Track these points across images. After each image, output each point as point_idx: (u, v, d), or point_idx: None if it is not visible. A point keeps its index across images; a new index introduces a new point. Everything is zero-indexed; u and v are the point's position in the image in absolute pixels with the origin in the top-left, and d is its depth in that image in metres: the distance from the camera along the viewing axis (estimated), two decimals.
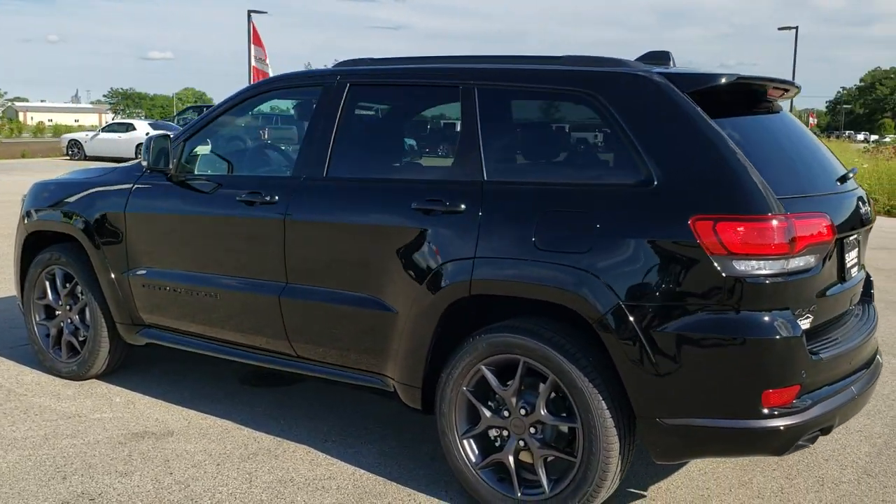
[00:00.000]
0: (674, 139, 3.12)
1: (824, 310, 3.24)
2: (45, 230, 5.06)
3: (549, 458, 3.32)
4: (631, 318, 3.02)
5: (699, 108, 3.14)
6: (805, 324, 3.06)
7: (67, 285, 4.97)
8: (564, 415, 3.27)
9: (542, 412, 3.27)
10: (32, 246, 5.14)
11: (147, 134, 27.24)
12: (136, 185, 4.55)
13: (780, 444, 3.02)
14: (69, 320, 5.00)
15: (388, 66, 3.97)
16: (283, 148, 4.84)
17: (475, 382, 3.46)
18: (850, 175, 3.60)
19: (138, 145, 27.65)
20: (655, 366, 3.01)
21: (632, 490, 3.68)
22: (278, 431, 4.30)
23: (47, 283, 5.06)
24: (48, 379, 5.05)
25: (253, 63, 36.59)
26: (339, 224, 3.80)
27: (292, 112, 5.36)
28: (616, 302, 3.04)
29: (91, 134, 30.73)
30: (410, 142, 4.11)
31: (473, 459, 3.48)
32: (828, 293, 3.25)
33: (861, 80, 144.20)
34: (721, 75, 3.24)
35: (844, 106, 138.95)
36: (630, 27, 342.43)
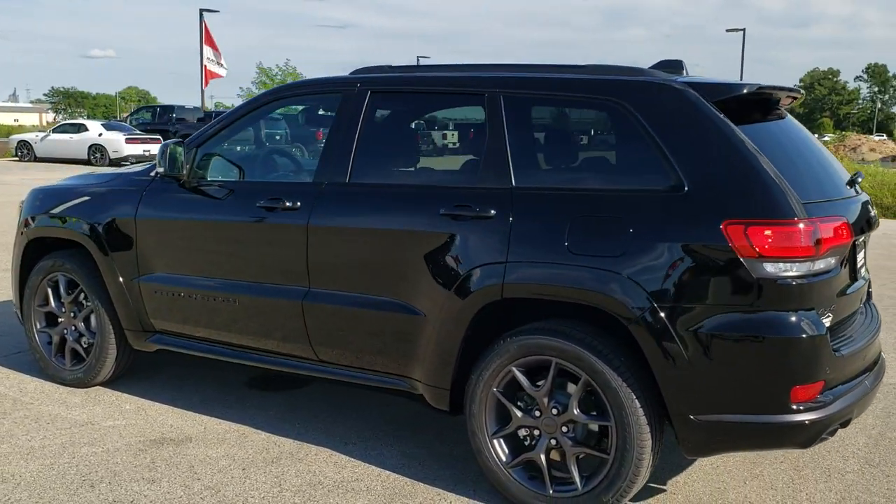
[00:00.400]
0: (702, 146, 3.25)
1: (841, 309, 3.40)
2: (47, 237, 5.01)
3: (581, 456, 3.43)
4: (665, 319, 3.14)
5: (724, 117, 3.27)
6: (827, 322, 3.21)
7: (71, 292, 4.93)
8: (596, 413, 3.38)
9: (575, 412, 3.38)
10: (32, 253, 5.09)
11: (100, 135, 26.83)
12: (146, 191, 4.54)
13: (807, 437, 3.17)
14: (73, 327, 4.96)
15: (410, 74, 4.04)
16: (295, 153, 4.86)
17: (505, 383, 3.55)
18: (859, 180, 3.77)
19: (91, 146, 27.17)
20: (689, 365, 3.14)
21: (652, 485, 3.80)
22: (296, 435, 4.33)
23: (49, 291, 5.01)
24: (51, 387, 5.00)
25: (205, 63, 36.19)
26: (365, 230, 3.86)
27: (300, 118, 5.37)
28: (651, 304, 3.16)
29: (41, 134, 30.05)
30: (434, 148, 4.18)
31: (504, 459, 3.57)
32: (846, 293, 3.41)
33: (801, 81, 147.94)
34: (744, 85, 3.38)
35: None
36: (575, 28, 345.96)
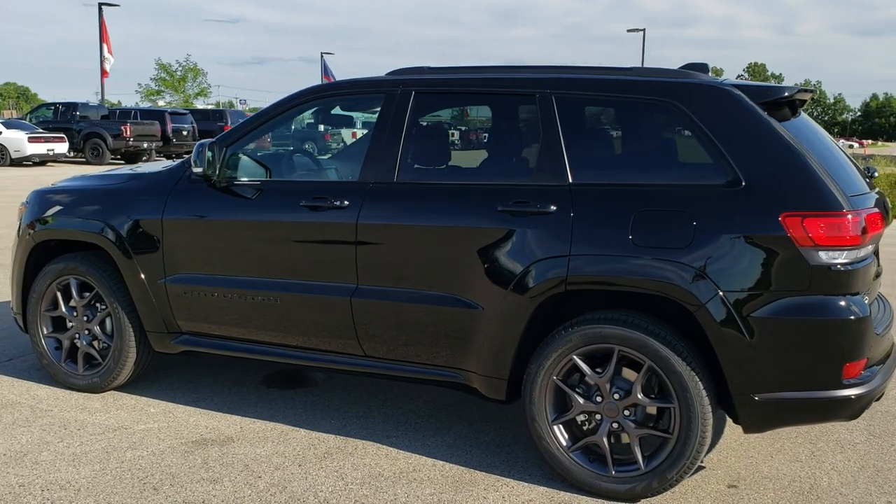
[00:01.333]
0: (754, 144, 3.49)
1: (872, 293, 3.72)
2: (55, 239, 4.88)
3: (641, 437, 3.63)
4: (729, 305, 3.38)
5: (769, 116, 3.53)
6: (868, 305, 3.51)
7: (84, 295, 4.82)
8: (658, 396, 3.59)
9: (640, 396, 3.58)
10: (37, 257, 4.95)
11: (0, 133, 25.57)
12: (172, 192, 4.50)
13: (854, 410, 3.47)
14: (86, 331, 4.85)
15: (457, 76, 4.15)
16: (311, 151, 4.88)
17: (565, 372, 3.72)
18: (875, 175, 4.11)
19: None
20: (752, 347, 3.38)
21: None
22: (336, 430, 4.39)
23: (59, 294, 4.88)
24: (64, 392, 4.88)
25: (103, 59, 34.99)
26: (418, 227, 3.95)
27: (311, 119, 5.38)
28: (716, 291, 3.39)
29: None
30: (484, 147, 4.29)
31: (564, 443, 3.74)
32: (875, 279, 3.73)
33: None
34: (785, 88, 3.65)
35: None
36: (468, 26, 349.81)
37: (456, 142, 4.38)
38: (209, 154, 4.27)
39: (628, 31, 41.54)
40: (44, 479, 3.75)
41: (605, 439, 3.66)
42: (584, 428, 3.75)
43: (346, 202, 4.06)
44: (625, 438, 3.70)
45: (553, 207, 3.67)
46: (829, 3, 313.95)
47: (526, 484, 3.82)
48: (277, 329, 4.33)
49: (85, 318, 4.84)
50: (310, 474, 3.86)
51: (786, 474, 3.96)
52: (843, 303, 3.38)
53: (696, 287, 3.41)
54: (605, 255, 3.57)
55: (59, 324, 5.00)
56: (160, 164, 5.23)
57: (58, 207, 4.86)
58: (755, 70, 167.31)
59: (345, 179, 4.54)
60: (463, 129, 4.35)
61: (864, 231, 3.39)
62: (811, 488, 3.82)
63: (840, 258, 3.36)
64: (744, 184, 3.44)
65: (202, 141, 4.35)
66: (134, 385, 4.97)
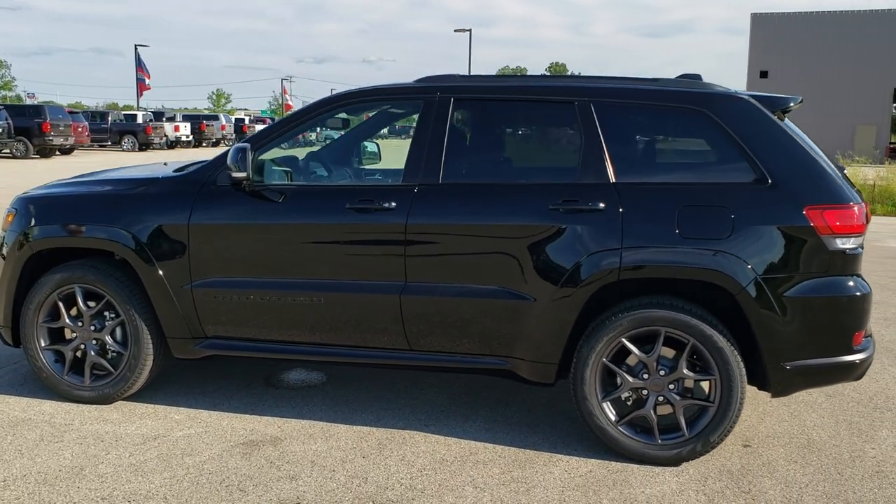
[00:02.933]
0: (775, 146, 4.04)
1: None
2: (56, 248, 4.71)
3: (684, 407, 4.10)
4: (765, 287, 3.91)
5: (780, 122, 4.10)
6: None
7: (91, 304, 4.68)
8: (700, 370, 4.06)
9: (685, 371, 4.04)
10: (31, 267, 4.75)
11: None
12: (198, 196, 4.48)
13: (859, 372, 4.10)
14: (94, 341, 4.71)
15: (496, 84, 4.44)
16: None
17: (613, 353, 4.12)
18: (845, 171, 4.79)
19: None
20: (783, 323, 3.93)
21: None
22: (373, 423, 4.57)
23: (61, 305, 4.71)
24: (72, 406, 4.72)
25: None
26: (468, 225, 4.21)
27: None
28: (753, 276, 3.90)
29: None
30: (525, 150, 4.58)
31: (613, 418, 4.15)
32: None
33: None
34: (791, 99, 4.23)
35: None
36: (270, 19, 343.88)
37: (500, 145, 4.65)
38: (248, 157, 4.31)
39: (455, 31, 42.72)
40: (121, 490, 3.70)
41: (652, 412, 4.10)
42: (628, 404, 4.17)
43: (393, 204, 4.25)
44: (661, 410, 4.15)
45: (602, 204, 4.05)
46: (619, 5, 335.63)
47: (578, 458, 4.18)
48: (320, 328, 4.44)
49: (92, 328, 4.70)
50: (379, 464, 4.04)
51: (783, 433, 4.57)
52: (852, 282, 3.99)
53: (737, 273, 3.91)
54: (657, 246, 3.99)
55: (55, 335, 4.82)
56: (165, 167, 5.13)
57: (61, 215, 4.68)
58: (556, 69, 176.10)
59: (387, 182, 4.69)
60: (506, 132, 4.63)
61: (866, 220, 4.02)
62: (808, 443, 4.44)
63: (849, 243, 3.97)
64: (770, 181, 3.97)
65: (239, 145, 4.36)
66: (138, 394, 4.88)
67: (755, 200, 3.99)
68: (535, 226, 4.13)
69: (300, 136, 5.13)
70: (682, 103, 4.18)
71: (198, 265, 4.49)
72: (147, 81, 48.45)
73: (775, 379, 4.03)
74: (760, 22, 47.62)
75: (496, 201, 4.23)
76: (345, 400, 4.93)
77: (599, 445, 4.25)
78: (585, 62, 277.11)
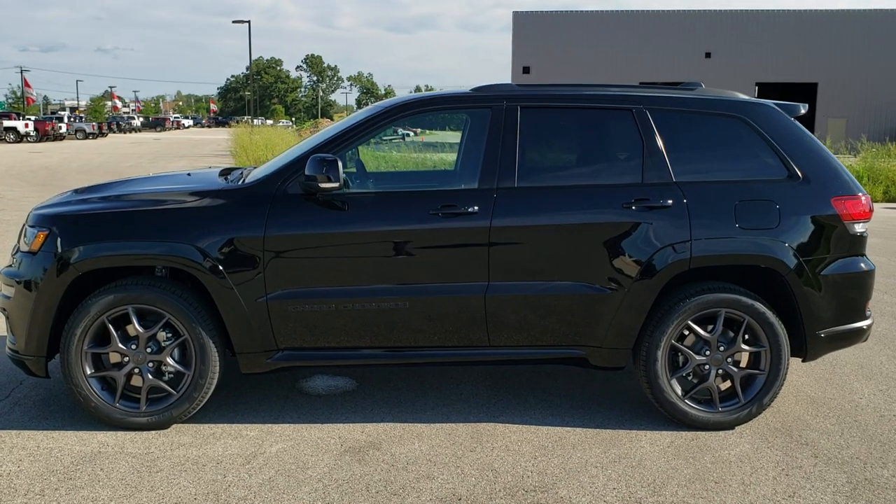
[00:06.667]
0: (801, 146, 4.72)
1: None
2: (114, 266, 4.43)
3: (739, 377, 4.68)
4: (806, 268, 4.57)
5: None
6: None
7: (149, 325, 4.44)
8: (753, 343, 4.65)
9: (743, 345, 4.62)
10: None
11: None
12: (272, 207, 4.41)
13: (868, 335, 4.90)
14: (150, 363, 4.47)
15: (560, 92, 4.77)
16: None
17: (678, 335, 4.62)
18: None
19: None
20: (820, 297, 4.62)
21: None
22: (443, 419, 4.74)
23: (111, 328, 4.42)
24: (125, 433, 4.45)
25: None
26: (549, 226, 4.52)
27: None
28: (798, 258, 4.55)
29: None
30: (589, 153, 4.88)
31: (680, 392, 4.65)
32: None
33: (247, 70, 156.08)
34: (800, 106, 4.93)
35: (246, 93, 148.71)
36: None
37: (568, 149, 4.96)
38: (341, 169, 4.33)
39: (233, 21, 41.43)
40: None
41: (713, 383, 4.64)
42: (688, 378, 4.69)
43: (475, 208, 4.46)
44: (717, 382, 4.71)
45: (671, 201, 4.53)
46: None
47: (653, 431, 4.64)
48: (403, 331, 4.54)
49: (149, 350, 4.46)
50: (492, 456, 4.25)
51: (816, 397, 5.29)
52: (863, 262, 4.77)
53: (786, 257, 4.54)
54: (722, 237, 4.53)
55: (99, 361, 4.52)
56: (211, 176, 4.92)
57: (116, 231, 4.40)
58: (312, 61, 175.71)
59: (462, 187, 4.82)
60: (565, 137, 4.93)
61: (871, 208, 4.81)
62: (852, 407, 5.20)
63: (861, 228, 4.74)
64: (801, 177, 4.64)
65: (322, 155, 4.34)
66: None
67: (794, 194, 4.64)
68: (609, 223, 4.53)
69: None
70: (723, 111, 4.75)
71: (273, 277, 4.42)
72: None
73: (812, 345, 4.72)
74: (522, 20, 50.73)
75: (573, 202, 4.57)
76: (395, 402, 5.03)
77: (661, 419, 4.74)
78: (337, 55, 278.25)
